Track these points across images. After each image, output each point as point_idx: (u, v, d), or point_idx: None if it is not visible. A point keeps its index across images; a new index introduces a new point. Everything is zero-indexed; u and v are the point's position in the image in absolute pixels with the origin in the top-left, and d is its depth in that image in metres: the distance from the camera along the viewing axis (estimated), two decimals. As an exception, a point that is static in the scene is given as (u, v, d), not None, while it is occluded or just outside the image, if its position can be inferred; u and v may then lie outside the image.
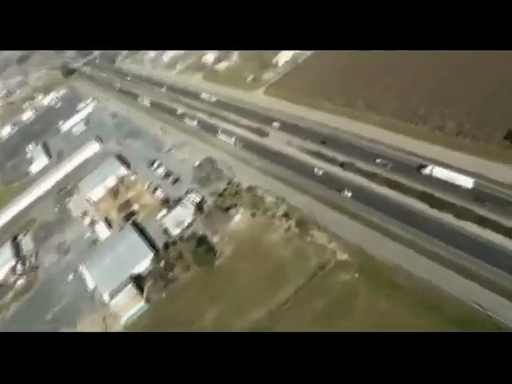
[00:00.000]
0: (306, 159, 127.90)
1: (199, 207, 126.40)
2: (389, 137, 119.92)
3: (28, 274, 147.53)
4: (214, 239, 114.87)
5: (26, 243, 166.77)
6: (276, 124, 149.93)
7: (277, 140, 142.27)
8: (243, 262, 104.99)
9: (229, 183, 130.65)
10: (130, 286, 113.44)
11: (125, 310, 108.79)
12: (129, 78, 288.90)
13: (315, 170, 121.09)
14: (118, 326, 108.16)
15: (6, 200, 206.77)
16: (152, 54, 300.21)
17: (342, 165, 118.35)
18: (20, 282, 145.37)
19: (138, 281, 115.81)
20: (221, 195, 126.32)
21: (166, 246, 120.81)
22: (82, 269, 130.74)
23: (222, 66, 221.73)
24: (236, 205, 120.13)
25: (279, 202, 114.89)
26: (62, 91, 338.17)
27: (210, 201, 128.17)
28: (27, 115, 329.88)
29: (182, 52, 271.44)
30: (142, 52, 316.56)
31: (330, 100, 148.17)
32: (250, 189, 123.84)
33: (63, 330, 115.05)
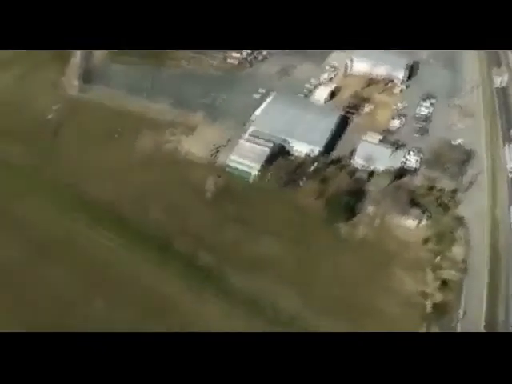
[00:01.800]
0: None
1: (400, 173, 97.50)
2: None
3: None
4: (369, 209, 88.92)
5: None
6: None
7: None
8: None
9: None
10: (271, 145, 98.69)
11: (242, 157, 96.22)
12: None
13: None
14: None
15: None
16: None
17: None
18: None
19: (282, 150, 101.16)
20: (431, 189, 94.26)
21: (335, 161, 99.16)
22: (268, 96, 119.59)
23: None
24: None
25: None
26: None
27: (409, 180, 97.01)
28: None
29: None
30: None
31: None
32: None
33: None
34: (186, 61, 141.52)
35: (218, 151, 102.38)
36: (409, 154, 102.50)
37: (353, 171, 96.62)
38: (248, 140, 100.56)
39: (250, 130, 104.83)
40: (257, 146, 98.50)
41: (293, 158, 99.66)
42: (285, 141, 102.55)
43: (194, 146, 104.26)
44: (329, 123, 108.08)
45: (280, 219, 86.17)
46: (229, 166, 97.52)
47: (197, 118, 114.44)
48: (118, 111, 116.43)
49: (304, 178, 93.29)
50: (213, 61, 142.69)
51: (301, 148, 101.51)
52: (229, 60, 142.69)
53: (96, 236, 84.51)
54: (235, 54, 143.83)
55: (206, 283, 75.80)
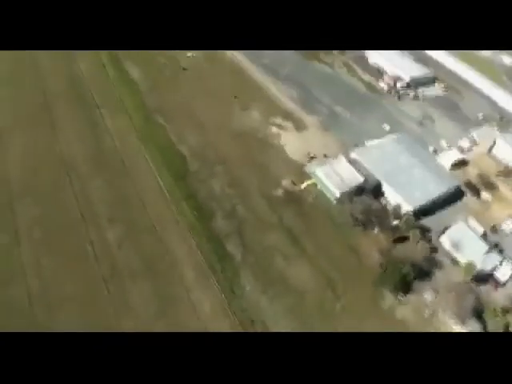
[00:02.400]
0: None
1: (482, 277, 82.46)
2: None
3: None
4: (426, 295, 76.68)
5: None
6: None
7: None
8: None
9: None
10: (364, 179, 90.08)
11: (330, 176, 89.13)
12: None
13: None
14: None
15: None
16: None
17: None
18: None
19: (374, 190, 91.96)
20: (506, 311, 77.88)
21: (421, 228, 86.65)
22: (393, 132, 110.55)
23: None
24: None
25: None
26: None
27: (488, 290, 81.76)
28: None
29: None
30: None
31: None
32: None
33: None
34: (338, 65, 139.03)
35: (312, 159, 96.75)
36: (504, 263, 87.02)
37: (434, 248, 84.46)
38: (346, 162, 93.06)
39: (354, 154, 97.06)
40: (351, 172, 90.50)
41: (380, 202, 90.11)
42: (381, 182, 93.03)
43: (293, 144, 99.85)
44: (438, 188, 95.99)
45: (331, 253, 78.30)
46: (313, 176, 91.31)
47: (312, 120, 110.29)
48: (247, 80, 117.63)
49: (379, 228, 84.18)
50: (365, 75, 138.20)
51: (393, 198, 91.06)
52: (381, 82, 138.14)
53: (148, 168, 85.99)
54: (389, 79, 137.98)
55: (217, 264, 71.85)
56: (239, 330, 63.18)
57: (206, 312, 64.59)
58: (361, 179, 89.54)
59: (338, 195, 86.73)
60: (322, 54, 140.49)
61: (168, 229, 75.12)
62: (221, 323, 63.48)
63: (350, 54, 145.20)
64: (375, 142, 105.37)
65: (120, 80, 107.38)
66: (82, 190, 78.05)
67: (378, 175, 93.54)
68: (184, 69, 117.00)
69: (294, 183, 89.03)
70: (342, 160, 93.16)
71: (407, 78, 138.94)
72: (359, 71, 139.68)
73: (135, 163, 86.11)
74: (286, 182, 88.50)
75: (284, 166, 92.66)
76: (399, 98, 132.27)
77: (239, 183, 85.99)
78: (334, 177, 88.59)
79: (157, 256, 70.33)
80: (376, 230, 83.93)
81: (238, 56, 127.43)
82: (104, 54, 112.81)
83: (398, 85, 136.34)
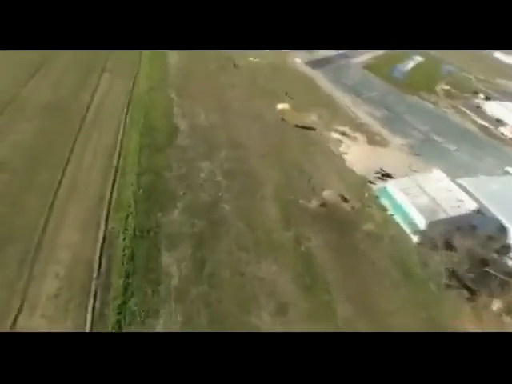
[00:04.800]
0: None
1: None
2: None
3: None
4: None
5: None
6: None
7: None
8: None
9: None
10: (476, 210, 46.37)
11: (413, 196, 47.93)
12: None
13: None
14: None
15: None
16: None
17: None
18: None
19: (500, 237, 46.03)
20: None
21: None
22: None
23: None
24: None
25: None
26: None
27: None
28: None
29: None
30: None
31: None
32: None
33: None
34: (444, 105, 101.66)
35: (384, 177, 57.06)
36: None
37: None
38: (444, 177, 51.64)
39: (460, 181, 54.09)
40: (454, 193, 48.62)
41: (502, 259, 45.58)
42: (506, 227, 47.95)
43: (358, 155, 60.85)
44: None
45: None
46: (381, 195, 51.29)
47: (397, 140, 70.95)
48: (314, 88, 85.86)
49: (502, 303, 39.85)
50: (479, 120, 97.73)
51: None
52: (503, 129, 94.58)
53: (115, 125, 56.43)
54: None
55: (120, 278, 33.59)
56: None
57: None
58: (472, 205, 46.72)
59: (423, 226, 44.56)
60: (423, 92, 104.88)
61: (81, 194, 40.24)
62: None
63: (461, 100, 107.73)
64: (494, 177, 62.87)
65: (151, 55, 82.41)
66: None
67: (501, 216, 49.59)
68: (235, 65, 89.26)
69: (345, 199, 49.92)
70: (439, 174, 52.14)
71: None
72: (471, 115, 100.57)
73: (100, 118, 55.40)
74: (329, 194, 49.64)
75: (333, 174, 53.67)
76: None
77: (247, 176, 48.78)
78: (420, 197, 47.51)
79: (39, 218, 36.00)
80: (496, 306, 40.34)
81: (310, 71, 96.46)
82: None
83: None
